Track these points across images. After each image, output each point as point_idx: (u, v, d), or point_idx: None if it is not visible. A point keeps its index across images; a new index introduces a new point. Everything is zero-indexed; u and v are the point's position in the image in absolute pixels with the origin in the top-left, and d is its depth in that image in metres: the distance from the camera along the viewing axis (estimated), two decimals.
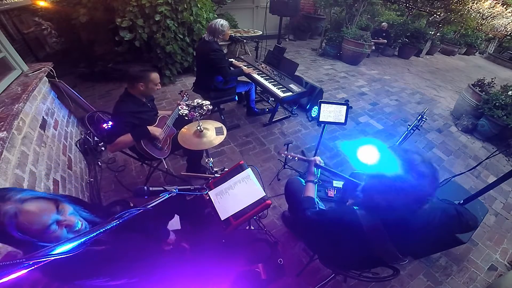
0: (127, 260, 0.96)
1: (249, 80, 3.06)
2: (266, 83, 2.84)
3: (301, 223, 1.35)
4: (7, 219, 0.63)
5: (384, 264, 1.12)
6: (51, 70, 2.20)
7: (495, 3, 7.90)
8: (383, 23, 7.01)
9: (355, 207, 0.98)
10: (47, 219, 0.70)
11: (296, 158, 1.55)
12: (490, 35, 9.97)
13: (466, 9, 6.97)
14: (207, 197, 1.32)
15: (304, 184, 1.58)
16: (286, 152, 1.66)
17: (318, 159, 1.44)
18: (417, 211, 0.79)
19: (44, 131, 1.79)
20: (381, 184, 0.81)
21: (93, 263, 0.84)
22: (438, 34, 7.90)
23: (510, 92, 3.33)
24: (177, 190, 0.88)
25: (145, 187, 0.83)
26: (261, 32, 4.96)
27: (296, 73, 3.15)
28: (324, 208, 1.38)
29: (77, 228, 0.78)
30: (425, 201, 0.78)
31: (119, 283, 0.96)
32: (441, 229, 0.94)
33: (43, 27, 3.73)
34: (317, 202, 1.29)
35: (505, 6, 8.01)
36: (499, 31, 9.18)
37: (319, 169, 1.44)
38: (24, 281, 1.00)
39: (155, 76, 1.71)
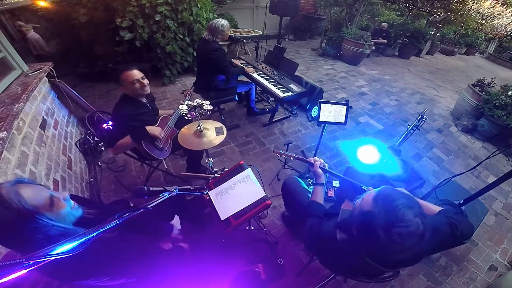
0: (126, 260, 0.96)
1: (249, 80, 3.06)
2: (266, 83, 2.84)
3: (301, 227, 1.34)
4: (12, 194, 0.70)
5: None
6: (51, 70, 2.20)
7: (495, 3, 7.90)
8: (383, 23, 7.01)
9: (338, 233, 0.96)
10: (45, 193, 0.79)
11: (292, 157, 1.44)
12: (490, 35, 9.96)
13: (466, 9, 6.97)
14: (207, 197, 1.32)
15: (303, 185, 1.58)
16: (281, 152, 1.48)
17: (321, 161, 1.35)
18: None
19: (44, 131, 1.79)
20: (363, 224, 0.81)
21: (92, 263, 0.84)
22: (438, 34, 7.89)
23: (510, 92, 3.32)
24: (177, 190, 0.88)
25: (145, 187, 0.83)
26: (261, 32, 4.95)
27: (296, 73, 3.15)
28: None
29: (71, 206, 0.86)
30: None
31: (117, 283, 0.96)
32: (432, 245, 0.90)
33: (26, 29, 3.73)
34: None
35: (505, 6, 8.01)
36: (499, 31, 9.17)
37: (327, 174, 1.37)
38: (24, 281, 1.00)
39: (127, 75, 1.59)
